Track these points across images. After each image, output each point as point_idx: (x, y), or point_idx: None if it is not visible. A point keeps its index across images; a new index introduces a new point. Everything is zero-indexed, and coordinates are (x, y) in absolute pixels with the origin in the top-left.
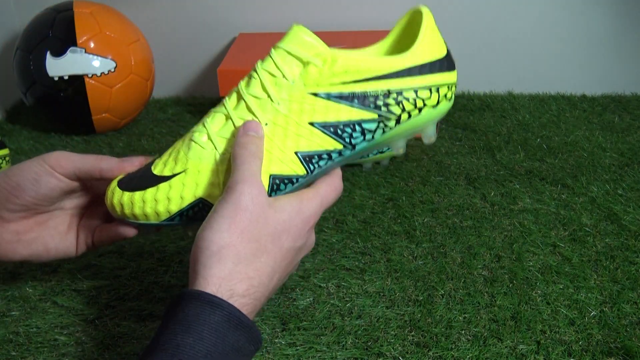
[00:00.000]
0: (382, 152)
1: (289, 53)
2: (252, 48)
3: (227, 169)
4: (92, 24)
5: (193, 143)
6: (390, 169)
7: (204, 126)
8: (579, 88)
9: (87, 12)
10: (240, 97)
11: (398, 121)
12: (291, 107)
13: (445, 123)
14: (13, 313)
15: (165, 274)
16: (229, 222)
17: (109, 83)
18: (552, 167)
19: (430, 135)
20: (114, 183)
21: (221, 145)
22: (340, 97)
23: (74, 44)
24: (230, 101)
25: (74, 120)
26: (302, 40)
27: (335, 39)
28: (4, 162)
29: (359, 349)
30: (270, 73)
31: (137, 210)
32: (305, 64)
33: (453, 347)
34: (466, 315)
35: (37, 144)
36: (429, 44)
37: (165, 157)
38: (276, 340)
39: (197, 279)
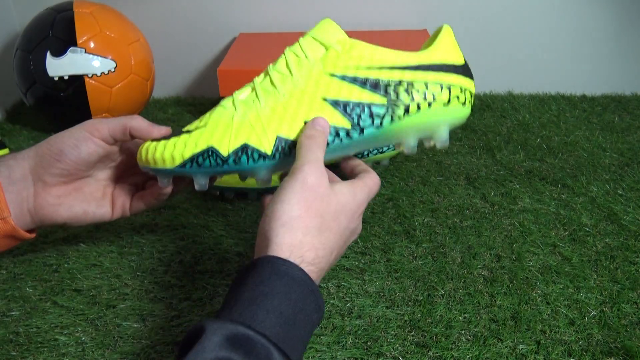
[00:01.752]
0: (382, 152)
1: (314, 39)
2: (252, 48)
3: (240, 126)
4: (92, 24)
5: (219, 106)
6: (390, 169)
7: (232, 95)
8: (579, 88)
9: (87, 12)
10: (266, 74)
11: (407, 111)
12: (308, 82)
13: None
14: (13, 313)
15: (165, 274)
16: (298, 197)
17: (109, 83)
18: (552, 167)
19: (443, 140)
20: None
21: (240, 108)
22: (354, 80)
23: (74, 44)
24: (258, 78)
25: (74, 121)
26: (327, 29)
27: None
28: None
29: (359, 349)
30: (295, 54)
31: (157, 155)
32: (327, 48)
33: (453, 347)
34: (466, 315)
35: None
36: (445, 50)
37: (195, 121)
38: None
39: (270, 245)
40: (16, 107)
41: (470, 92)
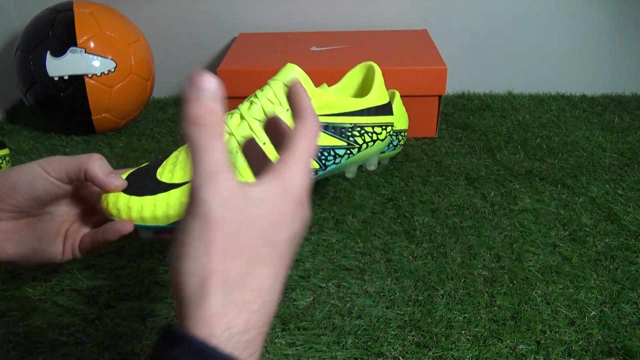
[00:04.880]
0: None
1: (285, 85)
2: (252, 48)
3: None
4: (92, 24)
5: None
6: (390, 169)
7: None
8: (579, 88)
9: (87, 12)
10: (242, 118)
11: (359, 149)
12: None
13: (445, 123)
14: (13, 313)
15: (165, 274)
16: (204, 244)
17: (109, 83)
18: (552, 167)
19: (373, 164)
20: None
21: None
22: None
23: (74, 44)
24: (232, 120)
25: (74, 120)
26: (295, 76)
27: (334, 38)
28: (4, 162)
29: (359, 349)
30: (269, 100)
31: (147, 213)
32: None
33: (453, 347)
34: (466, 315)
35: (37, 144)
36: (380, 92)
37: (170, 166)
38: (276, 340)
39: (184, 320)
40: (16, 107)
41: (393, 126)
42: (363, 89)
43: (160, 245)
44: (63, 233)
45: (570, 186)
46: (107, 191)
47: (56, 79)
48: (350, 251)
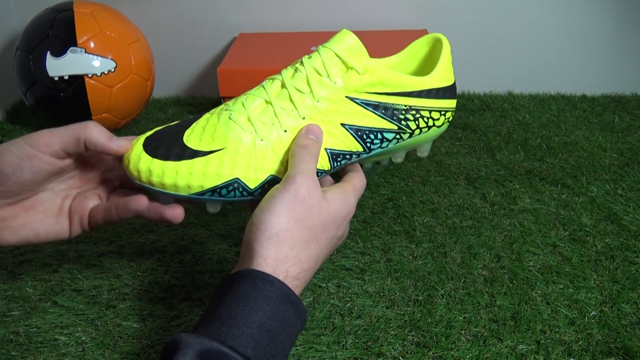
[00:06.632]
0: None
1: (336, 55)
2: (252, 48)
3: (264, 155)
4: (92, 24)
5: (232, 122)
6: (390, 169)
7: (243, 106)
8: (579, 88)
9: (87, 12)
10: (283, 86)
11: (411, 135)
12: (329, 106)
13: None
14: (13, 313)
15: (165, 274)
16: (288, 209)
17: (109, 83)
18: (552, 167)
19: (425, 151)
20: (139, 147)
21: (261, 131)
22: (369, 105)
23: (74, 44)
24: (272, 87)
25: (74, 120)
26: (349, 45)
27: None
28: None
29: (359, 349)
30: (316, 70)
31: (168, 180)
32: (348, 68)
33: (453, 347)
34: (466, 315)
35: None
36: (445, 72)
37: (198, 130)
38: None
39: (256, 258)
40: (16, 107)
41: (454, 111)
42: (425, 66)
43: (160, 245)
44: (66, 210)
45: (570, 186)
46: (113, 155)
47: (56, 79)
48: (350, 251)
